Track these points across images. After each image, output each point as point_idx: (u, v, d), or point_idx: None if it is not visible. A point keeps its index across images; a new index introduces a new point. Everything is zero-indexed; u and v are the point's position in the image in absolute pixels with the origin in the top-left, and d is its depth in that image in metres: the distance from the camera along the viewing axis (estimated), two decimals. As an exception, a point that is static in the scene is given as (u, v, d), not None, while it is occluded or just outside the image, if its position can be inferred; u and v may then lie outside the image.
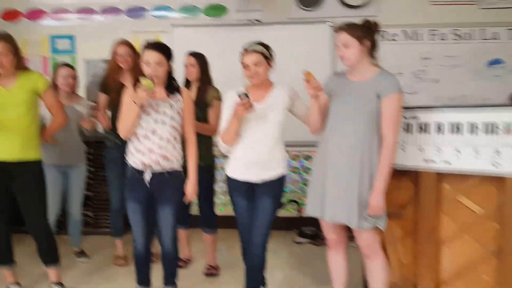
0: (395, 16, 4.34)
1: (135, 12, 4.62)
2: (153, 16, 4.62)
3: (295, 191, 4.58)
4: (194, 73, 3.28)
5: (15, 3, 4.69)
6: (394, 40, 4.38)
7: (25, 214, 2.82)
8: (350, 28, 2.32)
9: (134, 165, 2.53)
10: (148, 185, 2.52)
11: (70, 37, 4.68)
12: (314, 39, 4.39)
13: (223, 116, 2.67)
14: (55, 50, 4.70)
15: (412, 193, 2.63)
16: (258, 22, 4.37)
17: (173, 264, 2.71)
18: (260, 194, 2.60)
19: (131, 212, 2.59)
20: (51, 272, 2.98)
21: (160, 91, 2.51)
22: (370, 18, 2.39)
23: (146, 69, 2.46)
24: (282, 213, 4.47)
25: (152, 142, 2.47)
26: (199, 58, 3.31)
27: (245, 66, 2.54)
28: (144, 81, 2.33)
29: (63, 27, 4.68)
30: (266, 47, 2.59)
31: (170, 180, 2.54)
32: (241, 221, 2.70)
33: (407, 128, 2.54)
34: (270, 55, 2.59)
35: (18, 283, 3.03)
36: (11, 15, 4.71)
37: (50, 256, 2.94)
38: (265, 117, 2.55)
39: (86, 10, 4.64)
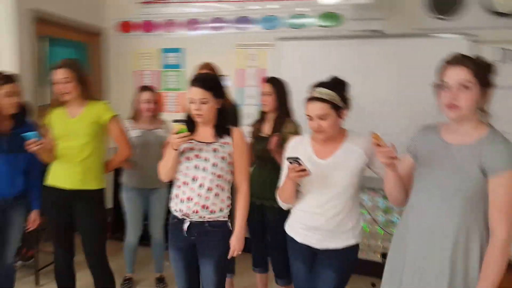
0: None
1: (241, 23, 4.28)
2: (259, 27, 4.22)
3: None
4: (270, 102, 2.80)
5: (130, 15, 4.71)
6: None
7: (82, 243, 2.74)
8: (476, 65, 1.63)
9: (174, 212, 2.26)
10: (185, 234, 2.21)
11: (179, 50, 4.53)
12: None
13: (283, 167, 2.21)
14: (166, 65, 4.59)
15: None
16: (379, 33, 3.70)
17: None
18: (322, 265, 2.09)
19: (172, 261, 2.32)
20: None
21: (206, 133, 2.23)
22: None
23: (191, 108, 2.16)
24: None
25: (191, 190, 2.18)
26: (276, 85, 2.83)
27: (308, 117, 2.02)
28: (176, 125, 2.07)
29: (173, 40, 4.55)
30: (341, 88, 2.02)
31: (212, 232, 2.21)
32: None
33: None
34: (344, 100, 2.01)
35: None
36: (127, 27, 4.74)
37: None
38: (330, 177, 2.02)
39: (194, 22, 4.45)
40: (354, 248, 2.11)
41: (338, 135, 2.08)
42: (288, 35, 4.04)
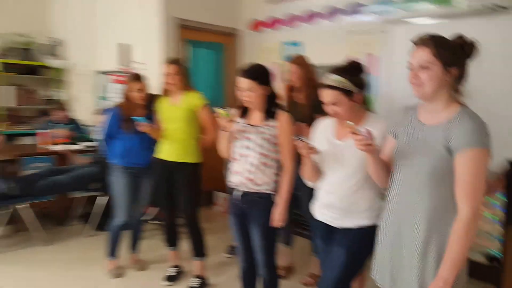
0: None
1: (352, 10, 4.26)
2: (370, 13, 4.12)
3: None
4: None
5: (259, 14, 5.12)
6: None
7: (180, 207, 3.30)
8: (437, 45, 1.64)
9: (228, 184, 2.62)
10: (236, 202, 2.55)
11: (298, 44, 4.72)
12: None
13: None
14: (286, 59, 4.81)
15: None
16: (502, 8, 3.27)
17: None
18: (336, 242, 2.16)
19: (232, 226, 2.66)
20: (195, 264, 3.38)
21: (256, 117, 2.50)
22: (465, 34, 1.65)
23: (240, 95, 2.46)
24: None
25: (239, 165, 2.51)
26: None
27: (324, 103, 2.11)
28: (219, 111, 2.42)
29: (294, 34, 4.78)
30: (354, 72, 2.04)
31: (257, 202, 2.49)
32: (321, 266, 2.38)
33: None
34: (358, 84, 2.02)
35: (178, 266, 3.52)
36: (257, 25, 5.16)
37: (196, 250, 3.35)
38: (343, 157, 2.10)
39: (311, 14, 4.60)
40: (369, 229, 2.07)
41: (358, 118, 2.09)
42: (397, 18, 3.88)
